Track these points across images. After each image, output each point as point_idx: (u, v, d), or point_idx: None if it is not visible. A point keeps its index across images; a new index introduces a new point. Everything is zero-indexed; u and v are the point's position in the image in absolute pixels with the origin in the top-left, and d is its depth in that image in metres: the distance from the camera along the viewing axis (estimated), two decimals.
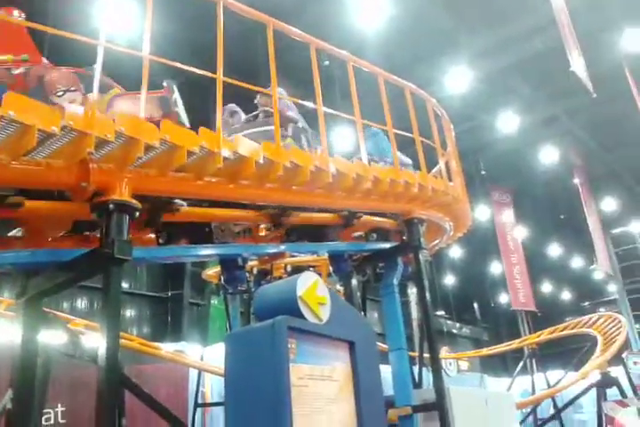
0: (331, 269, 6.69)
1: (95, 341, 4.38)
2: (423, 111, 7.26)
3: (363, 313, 7.43)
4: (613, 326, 13.70)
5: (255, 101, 6.80)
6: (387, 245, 6.85)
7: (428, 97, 7.39)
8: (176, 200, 4.83)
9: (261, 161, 4.76)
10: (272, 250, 6.06)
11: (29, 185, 4.04)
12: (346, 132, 15.93)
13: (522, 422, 12.89)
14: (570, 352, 17.55)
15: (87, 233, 5.03)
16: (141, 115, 4.13)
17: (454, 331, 32.74)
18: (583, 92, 16.25)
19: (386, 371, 5.04)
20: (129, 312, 18.41)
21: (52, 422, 8.86)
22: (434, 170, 7.44)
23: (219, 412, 11.18)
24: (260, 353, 3.34)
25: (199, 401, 10.44)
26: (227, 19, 4.93)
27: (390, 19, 15.95)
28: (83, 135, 3.69)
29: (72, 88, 4.58)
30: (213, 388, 11.54)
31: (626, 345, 13.83)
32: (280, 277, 8.19)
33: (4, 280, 13.51)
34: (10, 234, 4.81)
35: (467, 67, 18.34)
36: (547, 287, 36.71)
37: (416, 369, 7.40)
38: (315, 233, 6.28)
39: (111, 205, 4.04)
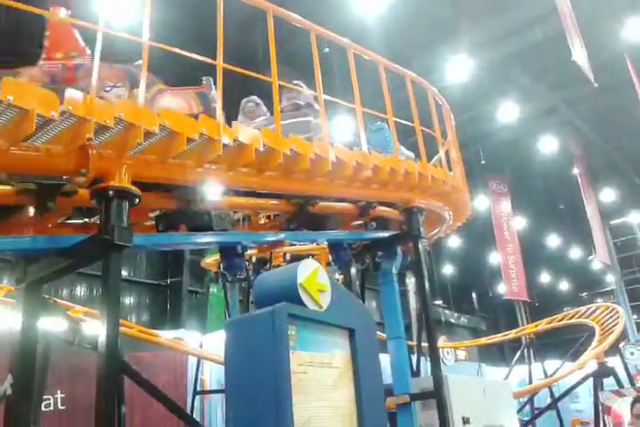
0: (330, 257, 6.67)
1: (95, 328, 4.39)
2: (424, 100, 7.23)
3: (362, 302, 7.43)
4: (611, 317, 13.70)
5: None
6: (386, 234, 6.81)
7: (428, 85, 7.33)
8: None
9: (261, 148, 4.76)
10: (271, 238, 6.02)
11: (28, 171, 4.01)
12: (347, 122, 15.86)
13: (519, 411, 12.93)
14: (567, 342, 17.62)
15: (86, 220, 5.04)
16: (140, 101, 4.12)
17: (452, 320, 32.78)
18: (583, 83, 16.21)
19: (384, 360, 5.05)
20: (128, 300, 18.41)
21: (51, 408, 8.90)
22: (434, 159, 7.41)
23: (217, 399, 11.25)
24: (260, 340, 3.34)
25: (198, 388, 10.48)
26: (227, 6, 4.90)
27: (390, 7, 15.87)
28: (82, 121, 3.68)
29: (118, 84, 4.61)
30: (212, 375, 11.59)
31: (623, 336, 13.87)
32: (279, 266, 8.20)
33: (4, 267, 13.51)
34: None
35: (467, 56, 18.21)
36: (545, 277, 36.73)
37: (414, 358, 7.43)
38: (314, 222, 6.25)
39: (111, 192, 4.04)
